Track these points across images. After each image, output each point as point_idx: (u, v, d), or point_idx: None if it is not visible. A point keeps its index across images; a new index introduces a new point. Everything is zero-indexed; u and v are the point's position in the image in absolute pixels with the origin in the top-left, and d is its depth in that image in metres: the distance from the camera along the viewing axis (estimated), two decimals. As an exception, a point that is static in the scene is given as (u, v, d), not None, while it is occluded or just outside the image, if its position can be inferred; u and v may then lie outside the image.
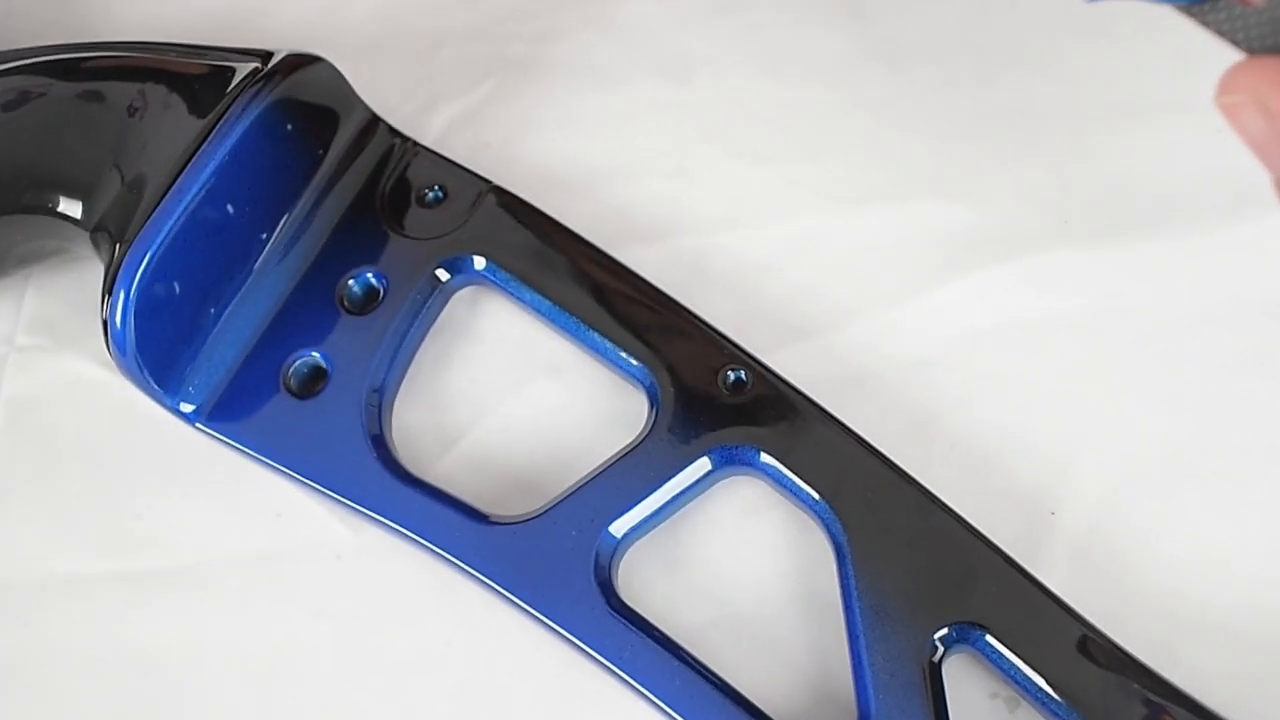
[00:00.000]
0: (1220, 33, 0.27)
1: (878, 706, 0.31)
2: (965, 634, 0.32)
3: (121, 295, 0.33)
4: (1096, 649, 0.31)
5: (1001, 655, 0.31)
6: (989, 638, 0.31)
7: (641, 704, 0.31)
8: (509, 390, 0.38)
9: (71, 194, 0.36)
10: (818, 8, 0.45)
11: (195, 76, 0.37)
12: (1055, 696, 0.31)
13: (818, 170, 0.42)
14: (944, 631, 0.31)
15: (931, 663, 0.31)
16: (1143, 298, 0.39)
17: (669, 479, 0.34)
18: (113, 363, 0.34)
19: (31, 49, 0.38)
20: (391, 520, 0.34)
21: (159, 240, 0.33)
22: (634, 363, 0.36)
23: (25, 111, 0.37)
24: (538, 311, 0.37)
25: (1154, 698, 0.31)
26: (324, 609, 0.35)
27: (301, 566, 0.35)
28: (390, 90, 0.42)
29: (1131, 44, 0.43)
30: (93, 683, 0.34)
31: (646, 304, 0.37)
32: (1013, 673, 0.31)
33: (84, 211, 0.35)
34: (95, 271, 0.35)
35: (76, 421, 0.38)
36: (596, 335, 0.36)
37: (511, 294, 0.37)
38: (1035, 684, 0.31)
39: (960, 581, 0.32)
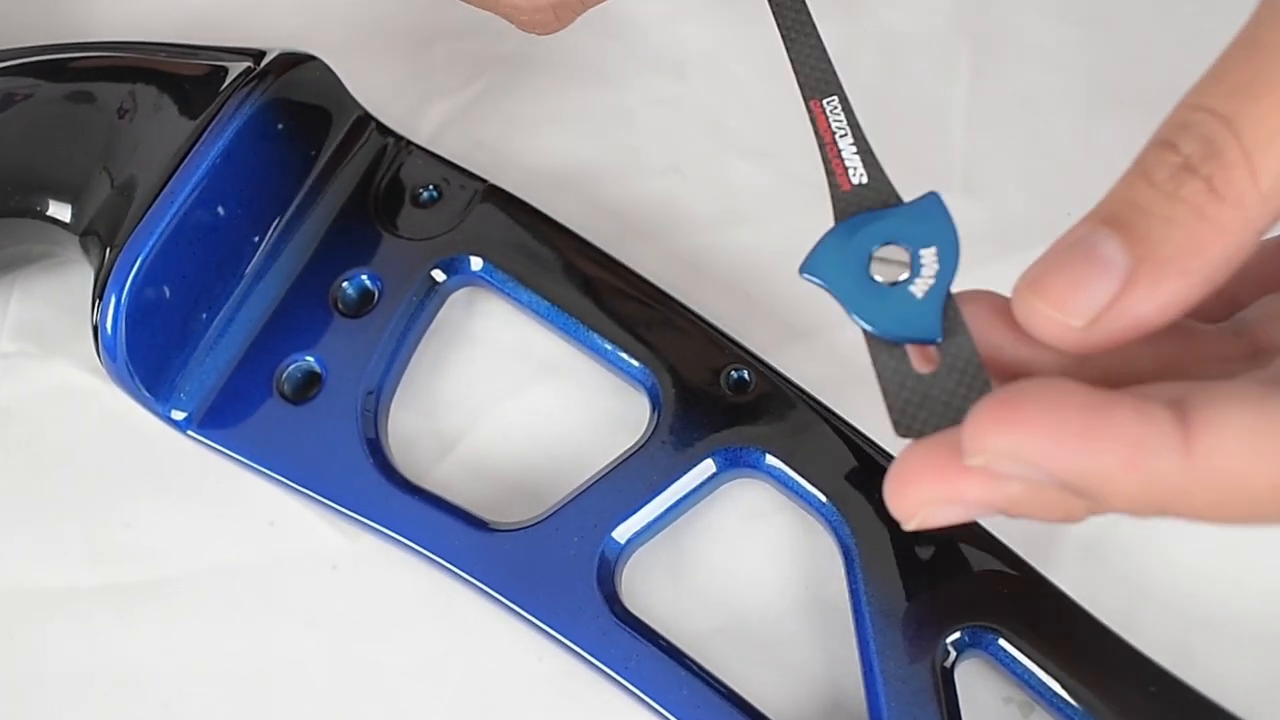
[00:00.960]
0: (884, 383, 0.24)
1: (889, 714, 0.30)
2: (977, 638, 0.31)
3: (113, 300, 0.32)
4: (1111, 651, 0.31)
5: (1014, 659, 0.31)
6: (1001, 641, 0.31)
7: (647, 714, 0.31)
8: (507, 393, 0.37)
9: (60, 197, 0.35)
10: None
11: (186, 77, 0.36)
12: (1070, 700, 0.30)
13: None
14: (955, 635, 0.31)
15: (943, 668, 0.31)
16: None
17: (672, 482, 0.33)
18: (101, 369, 0.34)
19: (18, 49, 0.37)
20: (388, 528, 0.33)
21: (150, 244, 0.33)
22: (634, 363, 0.35)
23: (12, 114, 0.36)
24: (536, 312, 0.36)
25: (1170, 700, 0.30)
26: (319, 620, 0.34)
27: (296, 576, 0.35)
28: (382, 89, 0.41)
29: (1135, 32, 0.42)
30: (80, 698, 0.33)
31: (646, 303, 0.36)
32: (1026, 676, 0.31)
33: (73, 215, 0.35)
34: (82, 276, 0.34)
35: (63, 429, 0.37)
36: (596, 336, 0.36)
37: (509, 295, 0.37)
38: (1049, 688, 0.30)
39: (971, 584, 0.32)
